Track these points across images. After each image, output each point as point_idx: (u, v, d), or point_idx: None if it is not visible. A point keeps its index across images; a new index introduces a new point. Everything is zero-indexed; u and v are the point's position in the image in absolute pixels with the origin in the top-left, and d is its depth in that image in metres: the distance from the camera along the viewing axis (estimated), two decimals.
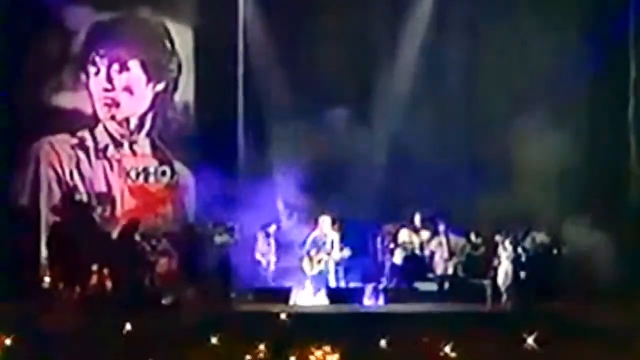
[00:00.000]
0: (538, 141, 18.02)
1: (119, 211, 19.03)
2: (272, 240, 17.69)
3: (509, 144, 18.31)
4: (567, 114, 18.29)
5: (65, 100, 19.20)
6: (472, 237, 17.66)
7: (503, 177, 17.90)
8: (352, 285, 17.53)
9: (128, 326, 13.67)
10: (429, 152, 18.65)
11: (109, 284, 16.61)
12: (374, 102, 18.91)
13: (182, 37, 19.40)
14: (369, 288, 17.33)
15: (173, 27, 19.42)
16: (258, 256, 17.51)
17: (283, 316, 14.41)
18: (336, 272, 17.47)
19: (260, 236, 17.67)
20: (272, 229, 17.72)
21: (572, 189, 17.82)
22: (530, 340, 13.18)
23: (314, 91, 18.83)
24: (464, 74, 18.69)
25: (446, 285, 17.37)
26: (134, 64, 19.31)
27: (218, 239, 17.51)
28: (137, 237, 17.14)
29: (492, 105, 18.50)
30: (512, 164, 18.10)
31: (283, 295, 16.86)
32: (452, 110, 18.77)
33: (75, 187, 18.98)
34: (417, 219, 17.95)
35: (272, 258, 17.65)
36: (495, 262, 17.02)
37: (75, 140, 19.20)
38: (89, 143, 19.22)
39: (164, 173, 19.33)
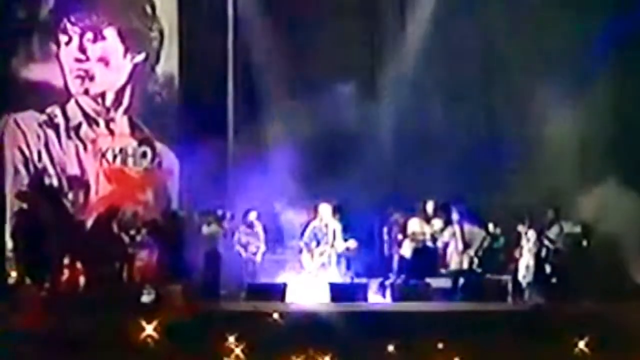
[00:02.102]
0: (566, 118, 18.00)
1: (93, 197, 19.05)
2: (259, 229, 17.58)
3: (533, 121, 18.29)
4: (598, 88, 18.27)
5: (33, 72, 19.13)
6: (491, 227, 17.61)
7: (526, 159, 17.92)
8: (356, 281, 17.46)
9: (104, 327, 13.59)
10: (442, 131, 18.68)
11: (82, 279, 16.56)
12: (379, 75, 18.94)
13: (165, 2, 19.30)
14: (374, 284, 17.31)
15: None
16: (238, 247, 17.42)
17: (278, 316, 14.35)
18: (338, 266, 17.43)
19: (241, 226, 17.57)
20: (252, 216, 17.59)
21: (604, 172, 17.76)
22: (556, 343, 13.14)
23: (313, 63, 18.80)
24: (483, 45, 18.70)
25: (461, 281, 17.35)
26: (110, 32, 19.30)
27: (205, 230, 17.50)
28: (114, 227, 17.07)
29: (513, 78, 18.52)
30: (536, 144, 18.09)
31: (279, 292, 16.81)
32: (468, 84, 18.77)
33: (44, 170, 18.98)
34: (429, 207, 17.90)
35: (262, 248, 17.56)
36: (517, 255, 17.01)
37: (44, 118, 19.21)
38: (60, 120, 19.23)
39: (144, 155, 19.36)
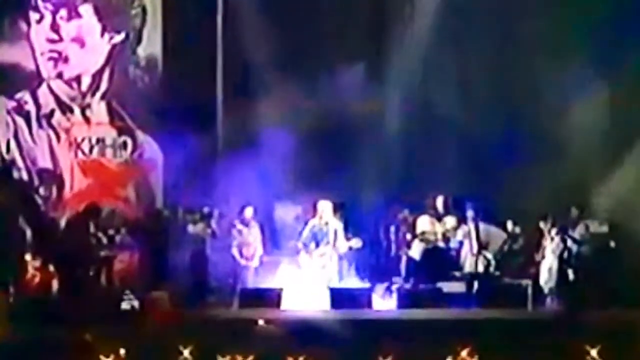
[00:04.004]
0: (591, 106, 17.97)
1: (67, 193, 19.01)
2: (254, 229, 17.48)
3: (555, 110, 18.25)
4: (627, 74, 18.25)
5: (0, 54, 19.09)
6: (509, 225, 17.57)
7: (548, 150, 17.89)
8: (359, 285, 17.41)
9: (79, 337, 13.55)
10: (455, 121, 18.61)
11: (55, 284, 16.52)
12: (386, 58, 18.86)
13: None
14: (380, 289, 17.26)
15: None
16: (234, 250, 17.33)
17: (273, 324, 14.32)
18: (339, 269, 17.38)
19: (237, 225, 17.47)
20: (248, 212, 17.47)
21: (634, 167, 17.77)
22: (582, 354, 13.12)
23: (311, 45, 18.74)
24: (500, 28, 18.66)
25: (476, 285, 17.29)
26: (85, 9, 19.36)
27: (191, 229, 17.46)
28: (91, 226, 17.02)
29: (533, 64, 18.51)
30: (560, 134, 18.06)
31: (274, 298, 16.76)
32: (483, 70, 18.73)
33: (12, 162, 18.94)
34: (441, 203, 17.84)
35: (259, 251, 17.50)
36: (539, 257, 16.98)
37: (12, 104, 19.24)
38: (30, 107, 19.29)
39: (124, 145, 19.35)
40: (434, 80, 18.77)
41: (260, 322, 14.30)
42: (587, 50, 18.19)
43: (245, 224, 17.46)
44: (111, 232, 17.24)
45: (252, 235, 17.50)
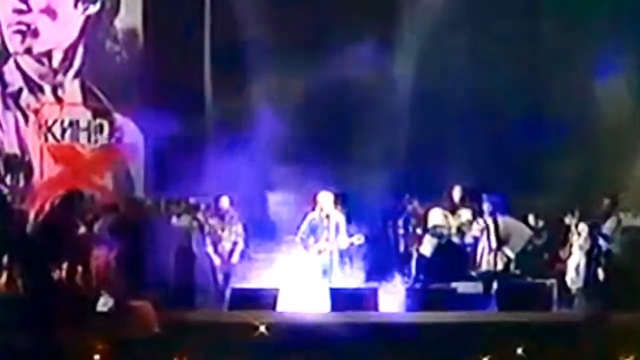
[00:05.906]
0: (624, 86, 17.96)
1: (37, 181, 18.94)
2: (233, 221, 17.41)
3: (583, 89, 18.25)
4: None
5: None
6: (531, 219, 17.53)
7: (576, 135, 17.86)
8: (363, 285, 17.39)
9: (50, 341, 13.50)
10: (472, 101, 18.58)
11: (22, 282, 16.49)
12: (393, 30, 18.81)
13: None
14: (386, 289, 17.22)
15: None
16: (207, 246, 17.28)
17: (268, 328, 14.30)
18: (341, 267, 17.35)
19: (212, 218, 17.44)
20: (224, 202, 17.39)
21: None
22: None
23: (311, 16, 18.69)
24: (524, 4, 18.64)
25: (494, 285, 17.26)
26: None
27: (176, 222, 17.39)
28: (67, 216, 16.99)
29: (560, 43, 18.43)
30: (589, 118, 18.05)
31: (269, 299, 16.75)
32: (504, 44, 18.70)
33: None
34: (455, 194, 17.83)
35: (240, 246, 17.44)
36: (564, 254, 16.96)
37: None
38: None
39: (100, 129, 19.25)
40: (449, 60, 18.81)
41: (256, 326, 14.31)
42: (617, 34, 18.21)
43: (221, 216, 17.40)
44: (89, 216, 17.17)
45: (230, 229, 17.45)
